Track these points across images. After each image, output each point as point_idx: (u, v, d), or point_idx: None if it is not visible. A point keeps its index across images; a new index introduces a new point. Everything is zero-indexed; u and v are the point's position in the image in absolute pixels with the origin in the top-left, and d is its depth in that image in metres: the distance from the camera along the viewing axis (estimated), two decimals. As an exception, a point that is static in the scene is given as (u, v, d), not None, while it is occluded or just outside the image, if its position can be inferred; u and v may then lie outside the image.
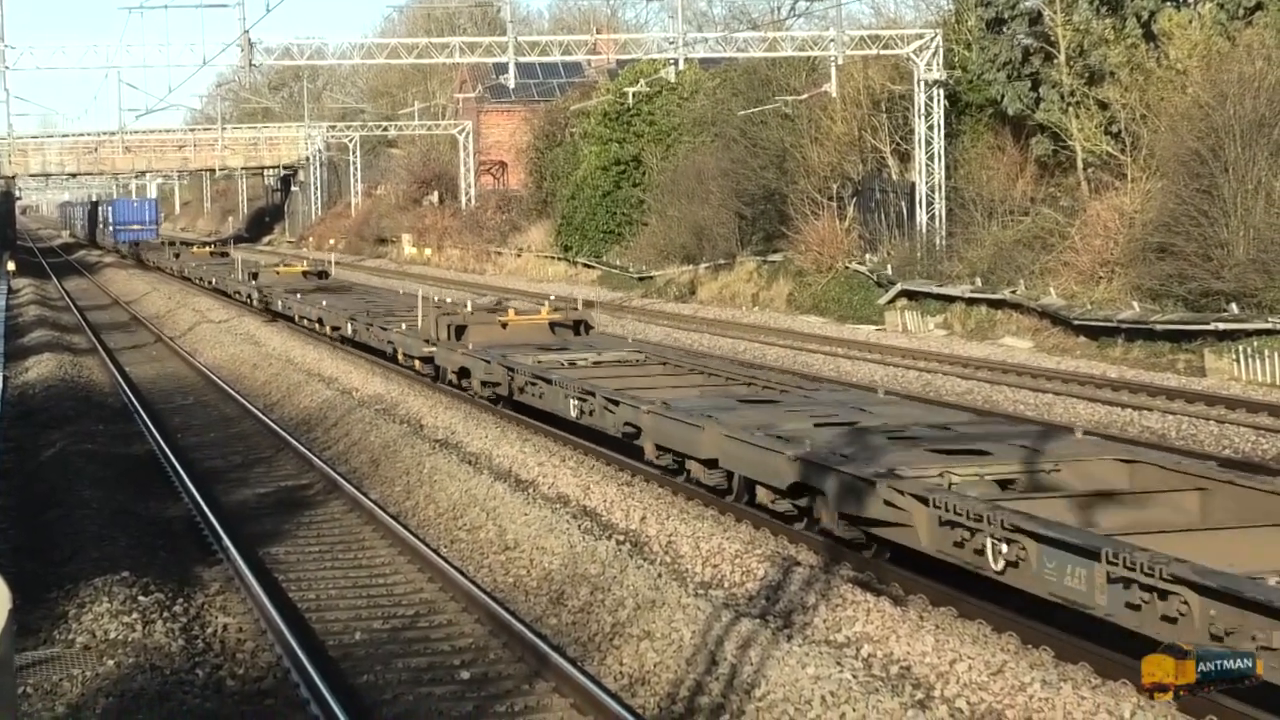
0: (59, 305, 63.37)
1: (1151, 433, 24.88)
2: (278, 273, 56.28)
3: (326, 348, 39.05)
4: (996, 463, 15.42)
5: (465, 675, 13.65)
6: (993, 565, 13.18)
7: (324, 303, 42.17)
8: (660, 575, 15.47)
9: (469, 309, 32.47)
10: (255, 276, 54.26)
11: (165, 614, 15.18)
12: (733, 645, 13.11)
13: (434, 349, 30.29)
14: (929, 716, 11.48)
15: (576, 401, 22.56)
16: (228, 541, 18.31)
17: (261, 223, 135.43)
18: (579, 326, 31.39)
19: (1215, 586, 10.92)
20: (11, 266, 74.98)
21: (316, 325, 41.71)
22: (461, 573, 16.75)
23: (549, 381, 23.99)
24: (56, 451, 25.26)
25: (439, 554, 17.78)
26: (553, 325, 31.16)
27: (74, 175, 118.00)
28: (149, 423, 29.09)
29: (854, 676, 12.25)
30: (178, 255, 76.02)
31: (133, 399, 32.84)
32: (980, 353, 36.44)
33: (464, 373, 28.48)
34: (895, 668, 12.90)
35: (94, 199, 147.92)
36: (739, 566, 16.04)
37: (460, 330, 30.26)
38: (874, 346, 38.53)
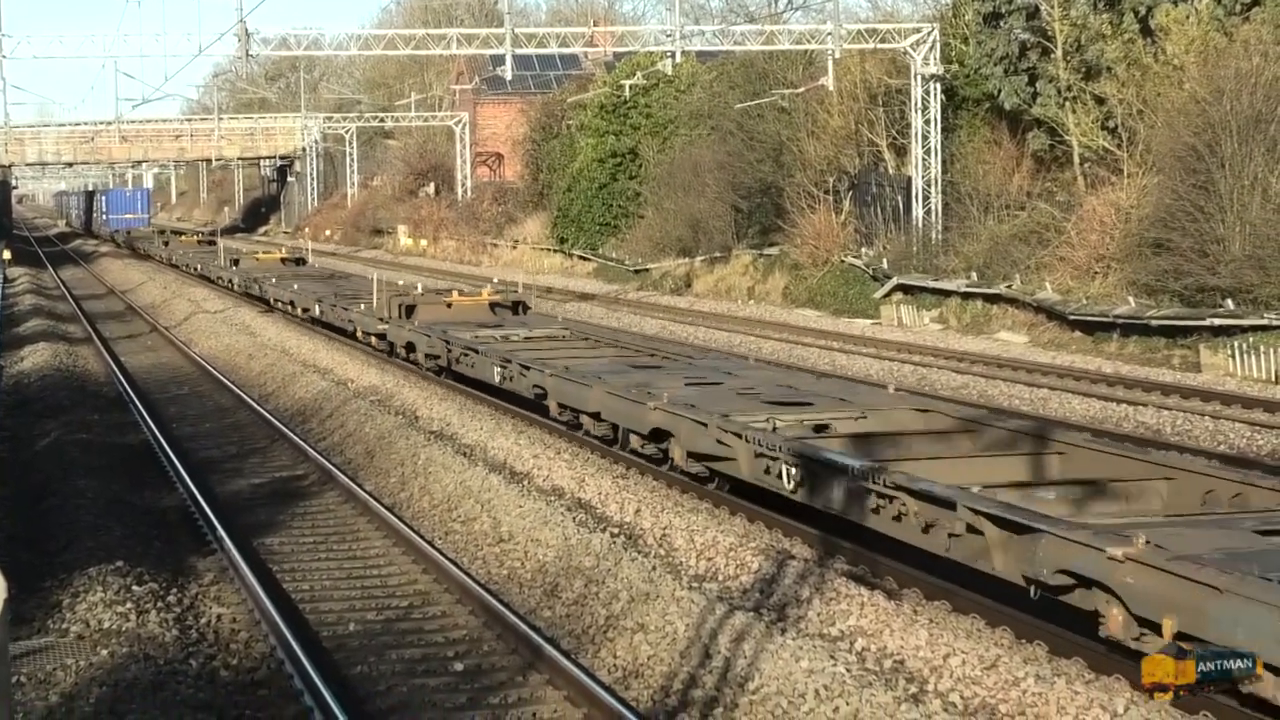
0: (55, 294, 63.34)
1: (1146, 428, 24.91)
2: (258, 259, 59.37)
3: (322, 338, 39.05)
4: (816, 412, 18.92)
5: (459, 667, 13.66)
6: (786, 486, 16.42)
7: (295, 286, 44.85)
8: (655, 568, 15.48)
9: (419, 290, 36.14)
10: (236, 263, 57.28)
11: (159, 604, 15.19)
12: (726, 638, 13.12)
13: (386, 326, 33.63)
14: (922, 711, 11.48)
15: (499, 369, 25.87)
16: (222, 532, 18.31)
17: (258, 213, 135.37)
18: (517, 307, 35.09)
19: (917, 490, 14.04)
20: (7, 255, 74.92)
21: (289, 307, 44.30)
22: (456, 564, 16.76)
23: (477, 352, 27.38)
24: (52, 441, 25.25)
25: (434, 545, 17.78)
26: (493, 305, 34.83)
27: (70, 164, 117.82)
28: (144, 412, 29.09)
29: (848, 670, 12.26)
30: (166, 243, 79.01)
31: (128, 389, 32.83)
32: (976, 347, 36.46)
33: (411, 347, 31.96)
34: (889, 662, 12.91)
35: (90, 188, 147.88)
36: (733, 560, 16.06)
37: (410, 310, 33.77)
38: (869, 340, 38.54)
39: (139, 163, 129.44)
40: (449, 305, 34.44)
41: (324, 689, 12.53)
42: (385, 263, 77.93)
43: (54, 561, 16.97)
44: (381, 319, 34.03)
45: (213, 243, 74.78)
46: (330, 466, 22.74)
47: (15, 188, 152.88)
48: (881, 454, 16.18)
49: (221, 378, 34.09)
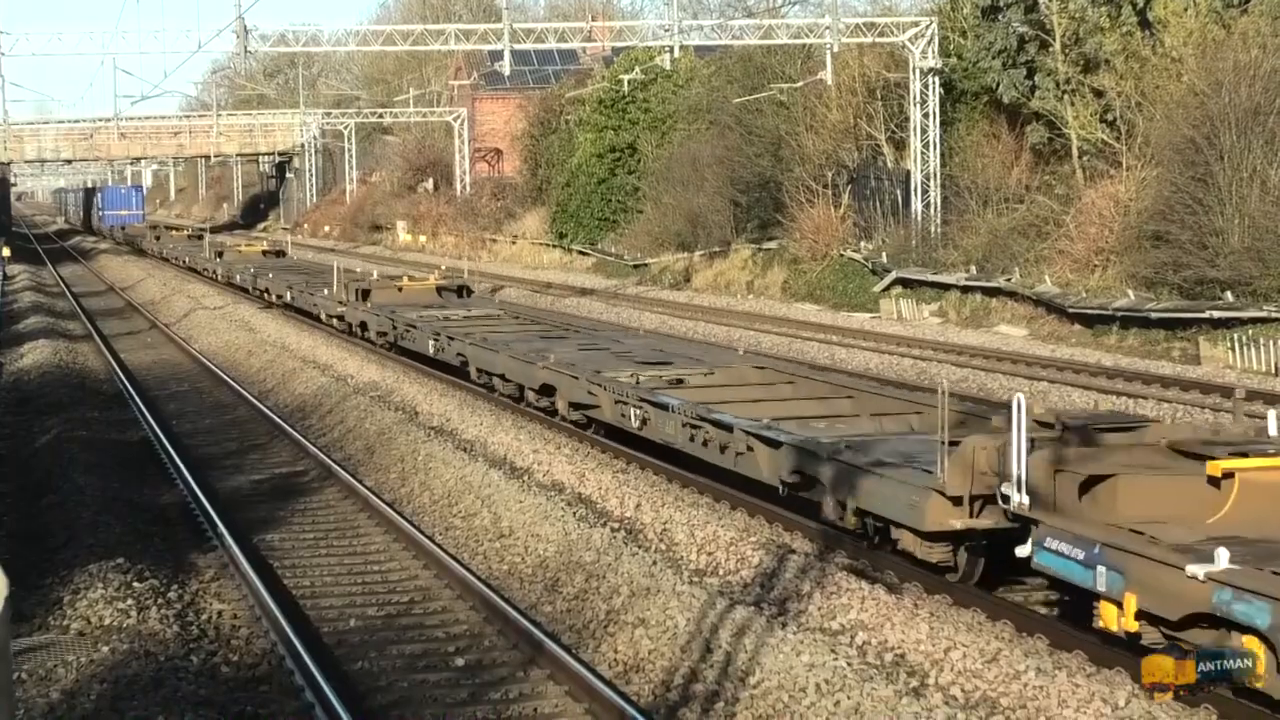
0: (54, 291, 63.31)
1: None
2: (240, 252, 64.64)
3: (322, 335, 39.06)
4: (674, 369, 23.25)
5: (460, 662, 13.66)
6: (634, 424, 20.74)
7: (271, 276, 49.65)
8: (655, 563, 15.49)
9: (374, 277, 41.08)
10: (221, 255, 62.75)
11: (160, 600, 15.18)
12: (727, 633, 13.12)
13: (345, 308, 38.07)
14: (923, 704, 11.48)
15: (433, 341, 30.31)
16: (222, 528, 18.30)
17: (257, 209, 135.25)
18: (461, 290, 39.32)
19: (711, 419, 18.55)
20: (6, 253, 74.86)
21: (265, 294, 49.10)
22: (456, 559, 16.76)
23: (416, 328, 31.87)
24: (52, 438, 25.24)
25: (434, 541, 17.78)
26: (439, 289, 39.09)
27: (69, 161, 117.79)
28: (144, 409, 29.08)
29: (849, 664, 12.26)
30: (158, 238, 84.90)
31: (128, 385, 32.82)
32: (975, 340, 36.46)
33: (364, 325, 36.29)
34: (890, 655, 12.91)
35: (90, 185, 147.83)
36: (734, 554, 16.06)
37: (365, 293, 37.99)
38: (869, 334, 38.53)
39: (138, 159, 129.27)
40: (400, 289, 38.96)
41: (325, 685, 12.53)
42: (385, 259, 77.85)
43: (54, 558, 16.97)
44: (341, 302, 38.42)
45: (200, 237, 78.34)
46: (330, 462, 22.74)
47: (14, 185, 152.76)
48: (717, 399, 20.13)
49: (221, 374, 34.08)
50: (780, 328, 40.53)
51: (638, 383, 21.61)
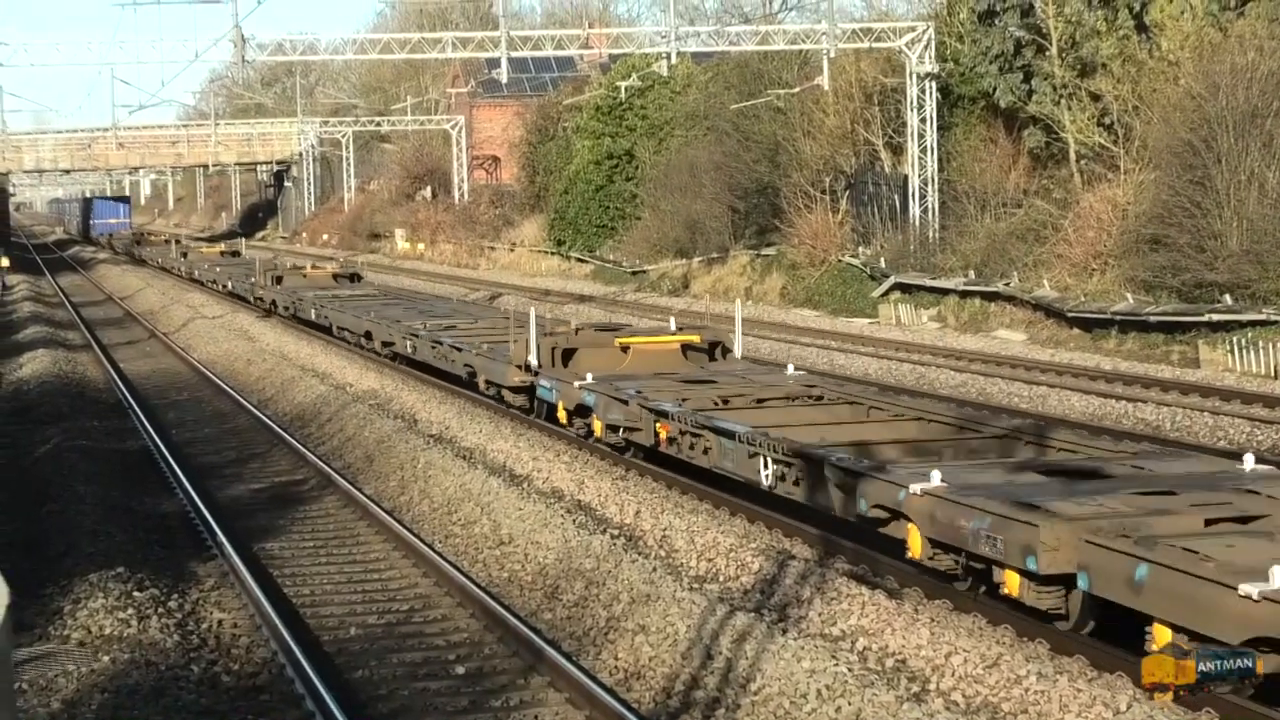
0: (53, 301, 63.30)
1: (1146, 424, 24.92)
2: (202, 253, 76.53)
3: (320, 343, 39.08)
4: (453, 320, 33.38)
5: (460, 670, 13.65)
6: (409, 351, 31.72)
7: (219, 270, 60.62)
8: (655, 569, 15.47)
9: (288, 266, 53.66)
10: (185, 255, 74.55)
11: (160, 609, 15.17)
12: (728, 639, 13.11)
13: (263, 291, 48.72)
14: (925, 710, 11.47)
15: (314, 310, 40.81)
16: (222, 537, 18.29)
17: (255, 218, 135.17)
18: (353, 277, 50.55)
19: (438, 339, 29.70)
20: (5, 263, 74.86)
21: (214, 284, 59.45)
22: (456, 567, 16.75)
23: (304, 301, 42.58)
24: (51, 447, 25.22)
25: (434, 549, 17.77)
26: (335, 276, 50.58)
27: (68, 171, 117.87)
28: (143, 418, 29.07)
29: (849, 670, 12.25)
30: (138, 242, 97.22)
31: (127, 395, 32.81)
32: (974, 345, 36.45)
33: (274, 303, 47.08)
34: (891, 661, 12.90)
35: (88, 195, 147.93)
36: (734, 560, 16.05)
37: (279, 279, 48.99)
38: (868, 339, 38.52)
39: (136, 169, 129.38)
40: (305, 276, 50.68)
41: (326, 693, 12.52)
42: (383, 266, 77.85)
43: (55, 568, 16.96)
44: (261, 286, 49.19)
45: (169, 242, 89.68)
46: (330, 471, 22.73)
47: (13, 195, 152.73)
48: (465, 334, 29.96)
49: (220, 383, 34.07)
50: (779, 333, 40.51)
51: (425, 328, 31.46)
